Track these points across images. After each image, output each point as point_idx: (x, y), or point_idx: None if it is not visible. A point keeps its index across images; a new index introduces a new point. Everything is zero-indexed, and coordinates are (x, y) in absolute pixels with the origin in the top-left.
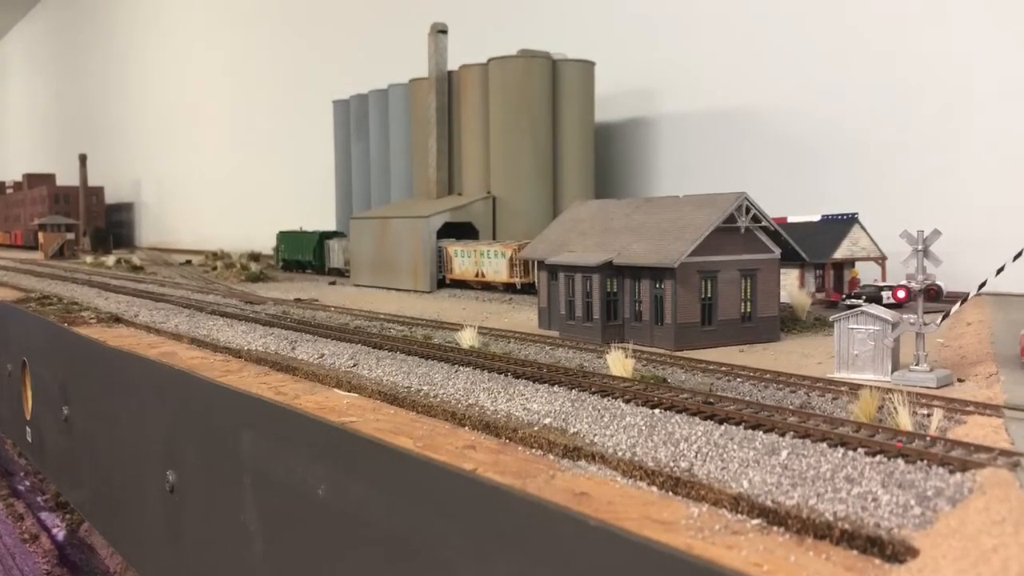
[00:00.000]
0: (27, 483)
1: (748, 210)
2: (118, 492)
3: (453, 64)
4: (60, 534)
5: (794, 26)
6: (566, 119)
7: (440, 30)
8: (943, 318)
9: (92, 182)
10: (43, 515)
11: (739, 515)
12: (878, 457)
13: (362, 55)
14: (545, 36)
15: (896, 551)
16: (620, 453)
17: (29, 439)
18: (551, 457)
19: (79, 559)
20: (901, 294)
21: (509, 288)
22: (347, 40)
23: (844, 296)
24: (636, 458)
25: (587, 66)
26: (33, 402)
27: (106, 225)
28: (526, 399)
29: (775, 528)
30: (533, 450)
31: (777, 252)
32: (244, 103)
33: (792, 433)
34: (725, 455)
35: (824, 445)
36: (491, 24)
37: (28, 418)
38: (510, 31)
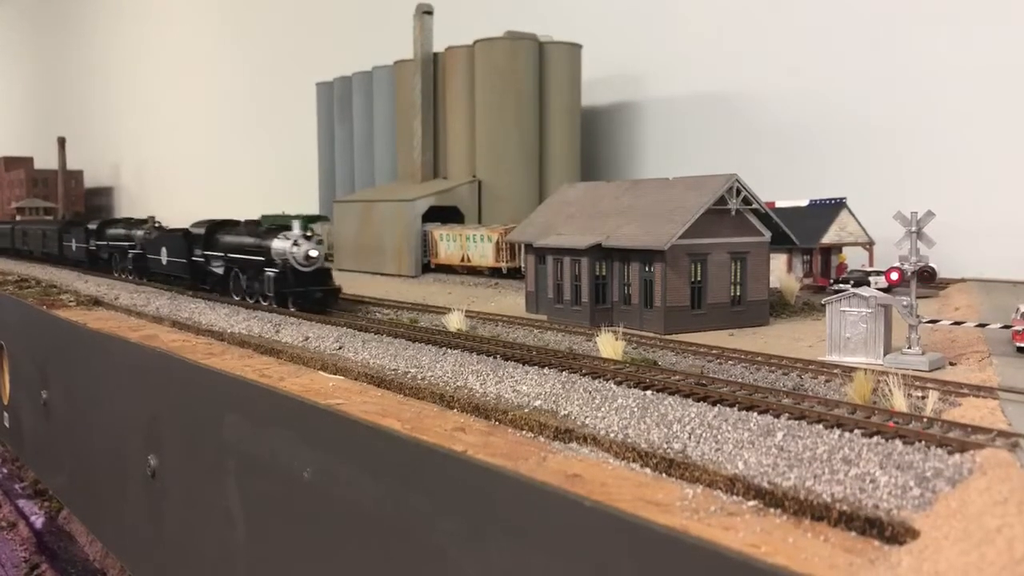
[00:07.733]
0: (4, 470)
1: (739, 192)
2: (98, 478)
3: (439, 46)
4: (39, 521)
5: (782, 11)
6: (552, 102)
7: (426, 11)
8: None
9: (71, 166)
10: (21, 502)
11: (735, 496)
12: (875, 438)
13: (346, 37)
14: (532, 18)
15: (896, 532)
16: (612, 435)
17: (7, 424)
18: (542, 439)
19: (58, 547)
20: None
21: (495, 273)
22: (330, 21)
23: (832, 281)
24: (629, 440)
25: (574, 49)
26: (11, 386)
27: (85, 209)
28: (516, 381)
29: (772, 510)
30: (524, 432)
31: (767, 235)
32: (225, 86)
33: (787, 415)
34: (719, 436)
35: (820, 426)
36: (477, 5)
37: (5, 403)
38: (497, 12)
